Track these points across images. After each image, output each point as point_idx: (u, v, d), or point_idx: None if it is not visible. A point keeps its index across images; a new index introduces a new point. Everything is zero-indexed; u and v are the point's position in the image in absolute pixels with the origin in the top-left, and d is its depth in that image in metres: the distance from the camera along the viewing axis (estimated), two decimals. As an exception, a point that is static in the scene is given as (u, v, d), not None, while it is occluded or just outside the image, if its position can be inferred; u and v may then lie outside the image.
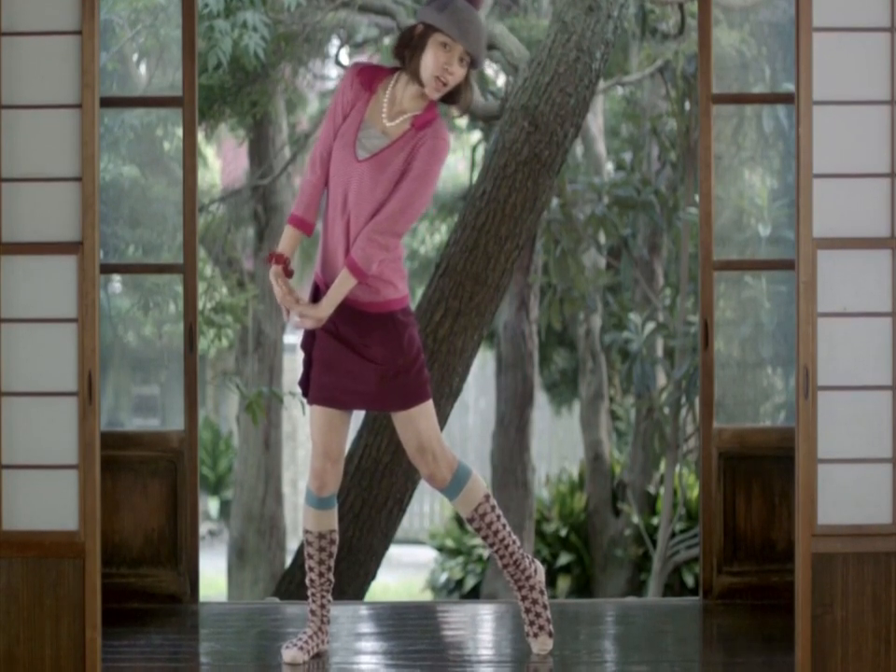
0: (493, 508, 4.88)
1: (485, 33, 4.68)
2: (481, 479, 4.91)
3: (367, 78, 4.74)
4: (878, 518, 4.42)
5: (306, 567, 4.92)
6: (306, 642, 4.87)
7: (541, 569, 4.98)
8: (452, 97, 4.72)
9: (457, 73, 4.63)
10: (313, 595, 4.90)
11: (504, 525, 4.90)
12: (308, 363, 4.83)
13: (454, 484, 4.84)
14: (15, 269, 4.47)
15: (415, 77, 4.65)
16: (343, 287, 4.65)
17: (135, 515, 5.76)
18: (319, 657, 4.88)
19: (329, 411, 4.79)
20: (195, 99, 5.82)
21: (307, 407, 4.89)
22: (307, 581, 4.93)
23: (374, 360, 4.72)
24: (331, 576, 4.90)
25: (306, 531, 4.89)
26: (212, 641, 5.30)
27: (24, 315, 4.47)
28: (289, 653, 4.83)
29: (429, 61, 4.61)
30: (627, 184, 9.86)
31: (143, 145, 6.45)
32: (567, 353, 14.67)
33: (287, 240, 4.78)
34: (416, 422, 4.77)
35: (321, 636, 4.91)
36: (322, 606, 4.91)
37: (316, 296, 4.78)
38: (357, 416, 5.84)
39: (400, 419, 4.79)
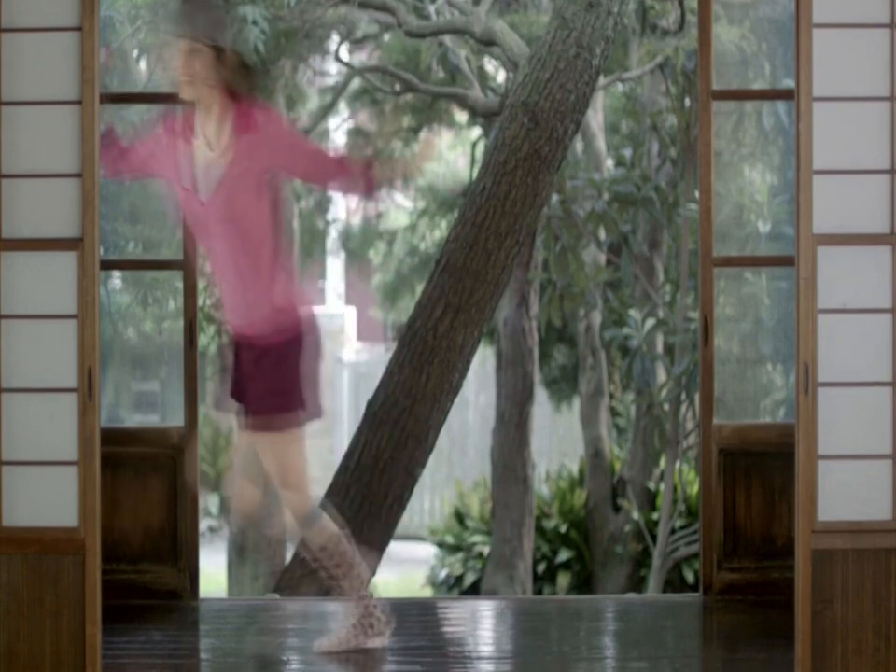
0: (339, 543, 4.90)
1: (214, 13, 4.68)
2: (330, 519, 4.92)
3: (175, 130, 4.78)
4: (878, 514, 4.42)
5: None
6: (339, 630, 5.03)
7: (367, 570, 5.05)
8: (232, 91, 4.70)
9: (193, 64, 4.64)
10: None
11: (351, 559, 4.93)
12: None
13: (311, 518, 4.88)
14: (15, 265, 4.47)
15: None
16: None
17: (135, 511, 5.76)
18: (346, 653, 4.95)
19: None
20: (195, 95, 5.81)
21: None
22: None
23: (265, 373, 4.79)
24: (339, 584, 4.99)
25: None
26: (212, 638, 5.30)
27: (24, 311, 4.47)
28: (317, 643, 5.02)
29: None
30: (627, 180, 9.85)
31: (143, 141, 6.43)
32: (567, 349, 14.66)
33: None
34: (286, 449, 4.86)
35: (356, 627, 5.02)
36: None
37: (237, 348, 4.83)
38: (357, 414, 5.83)
39: (270, 444, 4.87)
